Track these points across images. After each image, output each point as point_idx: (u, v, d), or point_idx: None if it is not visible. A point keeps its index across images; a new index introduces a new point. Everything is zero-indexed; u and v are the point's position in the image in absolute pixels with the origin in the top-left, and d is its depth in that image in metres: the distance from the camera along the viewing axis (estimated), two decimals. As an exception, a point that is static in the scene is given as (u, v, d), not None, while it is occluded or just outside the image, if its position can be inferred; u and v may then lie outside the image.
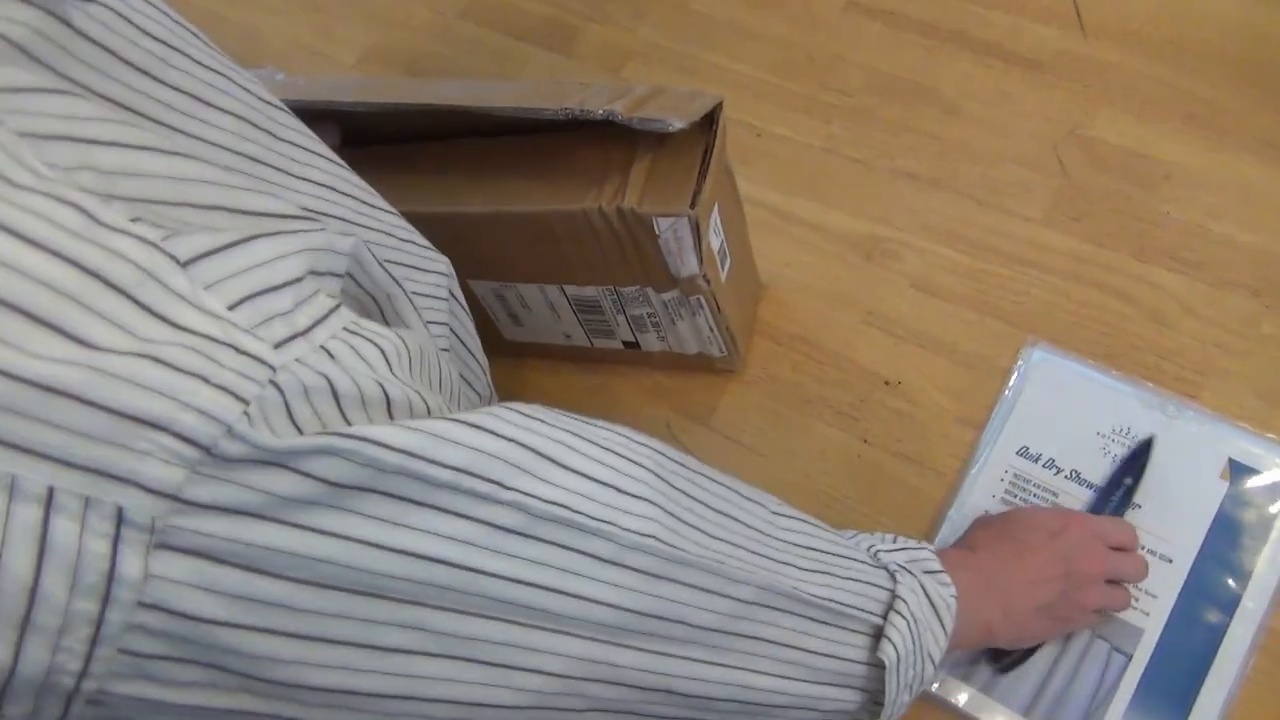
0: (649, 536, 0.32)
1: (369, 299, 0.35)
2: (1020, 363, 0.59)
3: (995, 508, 0.55)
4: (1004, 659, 0.52)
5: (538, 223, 0.55)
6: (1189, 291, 0.59)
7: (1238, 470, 0.54)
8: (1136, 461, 0.54)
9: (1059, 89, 0.66)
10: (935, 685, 0.52)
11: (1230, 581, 0.52)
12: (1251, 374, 0.57)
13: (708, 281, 0.55)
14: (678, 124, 0.49)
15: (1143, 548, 0.53)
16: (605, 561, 0.31)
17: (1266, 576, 0.51)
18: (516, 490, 0.29)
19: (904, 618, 0.41)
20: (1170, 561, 0.53)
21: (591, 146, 0.54)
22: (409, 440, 0.27)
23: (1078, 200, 0.63)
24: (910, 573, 0.43)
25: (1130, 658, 0.51)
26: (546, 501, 0.30)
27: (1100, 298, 0.60)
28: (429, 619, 0.28)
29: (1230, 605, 0.51)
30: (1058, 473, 0.56)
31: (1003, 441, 0.57)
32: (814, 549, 0.40)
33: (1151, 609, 0.52)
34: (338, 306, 0.29)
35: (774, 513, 0.41)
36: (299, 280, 0.28)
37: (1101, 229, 0.61)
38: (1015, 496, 0.56)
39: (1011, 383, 0.58)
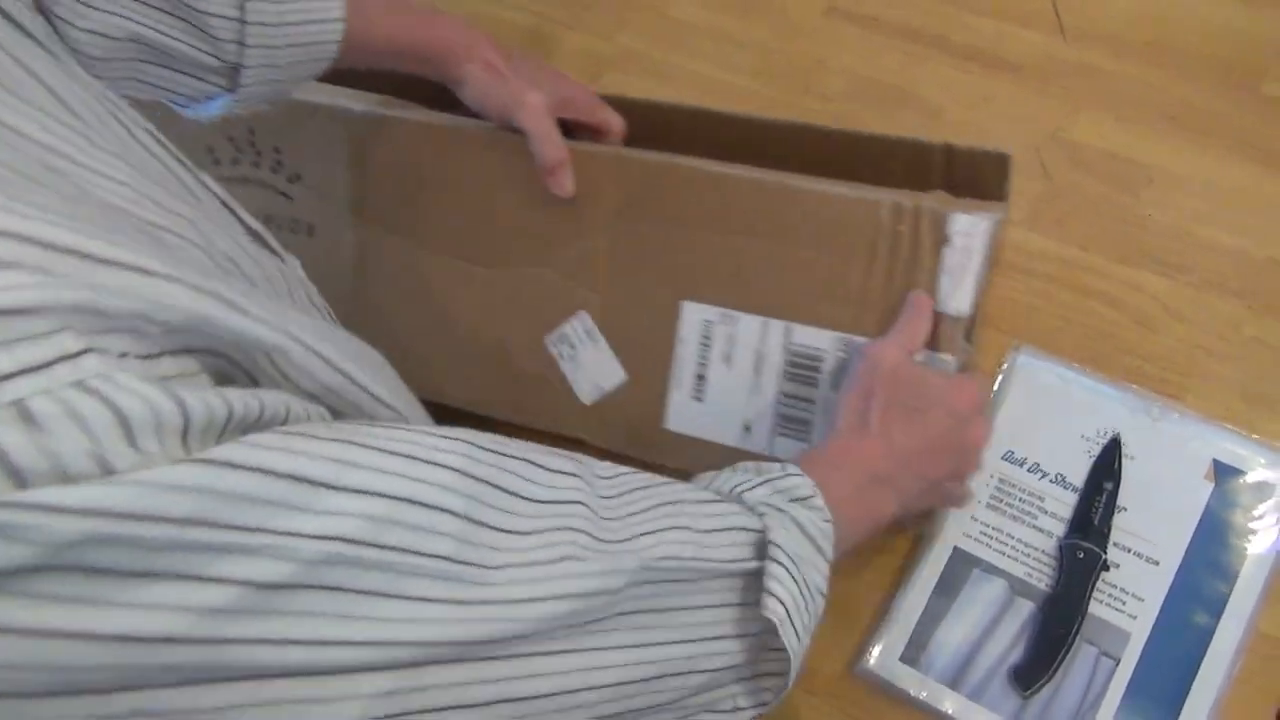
0: (449, 560, 0.28)
1: (221, 358, 0.29)
2: (1005, 366, 0.58)
3: (980, 513, 0.55)
4: (1031, 684, 0.51)
5: (820, 206, 0.53)
6: (1173, 294, 0.59)
7: (1222, 471, 0.54)
8: (1109, 463, 0.54)
9: (1041, 92, 0.66)
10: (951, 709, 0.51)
11: (1217, 583, 0.52)
12: (1236, 376, 0.57)
13: (969, 340, 0.52)
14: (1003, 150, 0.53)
15: (1128, 550, 0.53)
16: (404, 598, 0.27)
17: (1253, 577, 0.51)
18: (271, 532, 0.24)
19: (782, 565, 0.38)
20: (1156, 564, 0.53)
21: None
22: (101, 497, 0.21)
23: (1061, 203, 0.62)
24: (779, 509, 0.41)
25: (1118, 661, 0.51)
26: (316, 538, 0.25)
27: (1084, 301, 0.60)
28: (160, 699, 0.23)
29: (1217, 607, 0.51)
30: (1042, 477, 0.56)
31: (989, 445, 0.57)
32: (662, 503, 0.38)
33: (1139, 612, 0.52)
34: (79, 353, 0.22)
35: (604, 478, 0.38)
36: (22, 312, 0.21)
37: (1085, 232, 0.61)
38: (1001, 501, 0.56)
39: (996, 386, 0.58)
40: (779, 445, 0.56)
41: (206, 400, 0.25)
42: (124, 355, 0.24)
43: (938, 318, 0.52)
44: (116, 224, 0.28)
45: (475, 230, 0.62)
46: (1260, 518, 0.52)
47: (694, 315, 0.57)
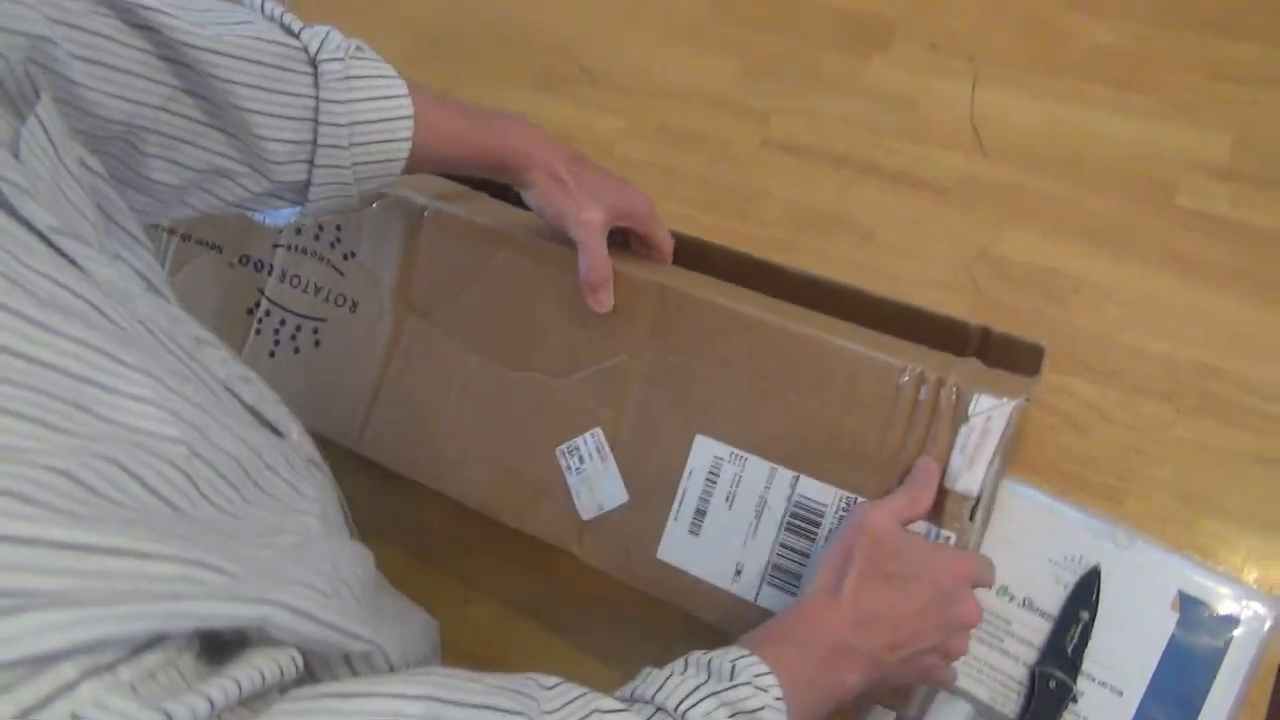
0: None
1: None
2: None
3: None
4: None
5: (846, 364, 0.54)
6: (1104, 399, 0.61)
7: (1188, 602, 0.54)
8: (1086, 593, 0.55)
9: (967, 211, 0.69)
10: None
11: (1181, 715, 0.52)
12: (1170, 478, 0.58)
13: (973, 519, 0.52)
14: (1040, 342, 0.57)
15: (1092, 678, 0.54)
16: None
17: (1216, 710, 0.52)
18: None
19: None
20: (1120, 694, 0.53)
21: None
22: None
23: (993, 317, 0.65)
24: None
25: (1077, 785, 0.51)
26: None
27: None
28: None
29: (1180, 738, 0.51)
30: (1010, 600, 0.56)
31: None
32: None
33: (1099, 739, 0.52)
34: (76, 682, 0.25)
35: (547, 687, 0.39)
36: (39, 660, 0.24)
37: (1017, 343, 0.64)
38: None
39: None
40: (766, 594, 0.56)
41: (190, 704, 0.27)
42: (114, 664, 0.26)
43: (944, 492, 0.52)
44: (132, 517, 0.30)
45: (509, 332, 0.64)
46: (1224, 649, 0.53)
47: (705, 450, 0.58)
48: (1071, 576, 0.56)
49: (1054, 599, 0.56)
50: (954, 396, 0.51)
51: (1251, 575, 0.55)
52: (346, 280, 0.69)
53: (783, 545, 0.56)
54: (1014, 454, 0.60)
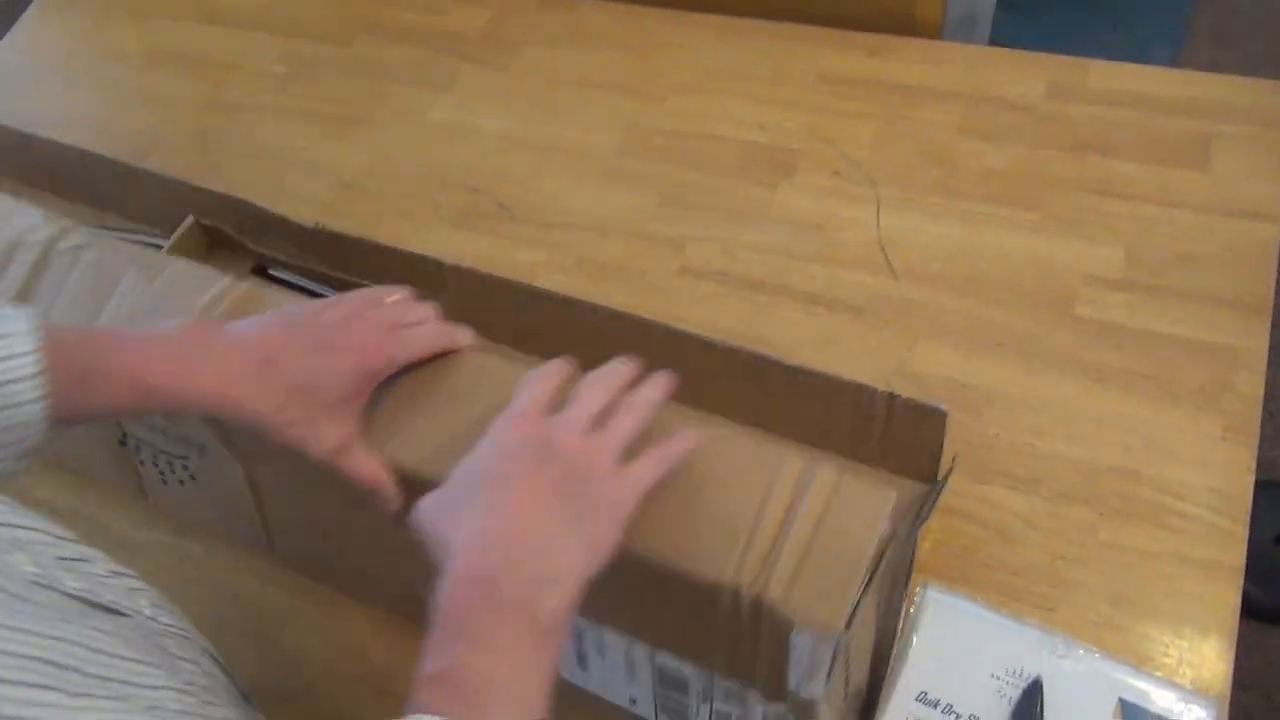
0: None
1: None
2: (915, 603, 0.59)
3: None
4: None
5: (659, 576, 0.46)
6: (1028, 508, 0.62)
7: (1130, 710, 0.54)
8: (1030, 705, 0.54)
9: (880, 329, 0.71)
10: None
11: None
12: (1098, 582, 0.58)
13: (828, 707, 0.47)
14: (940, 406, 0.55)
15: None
16: None
17: None
18: None
19: None
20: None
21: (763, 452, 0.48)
22: None
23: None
24: None
25: None
26: None
27: (948, 521, 0.62)
28: None
29: None
30: (957, 718, 0.55)
31: (901, 687, 0.56)
32: None
33: None
34: None
35: None
36: None
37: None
38: None
39: (906, 624, 0.58)
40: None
41: None
42: None
43: (792, 694, 0.45)
44: None
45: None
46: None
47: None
48: (1014, 690, 0.55)
49: (999, 714, 0.55)
50: (775, 624, 0.44)
51: (1188, 676, 0.55)
52: (182, 423, 0.62)
53: (663, 693, 0.54)
54: (934, 564, 0.60)
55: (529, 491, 0.42)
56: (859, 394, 0.61)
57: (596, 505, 0.43)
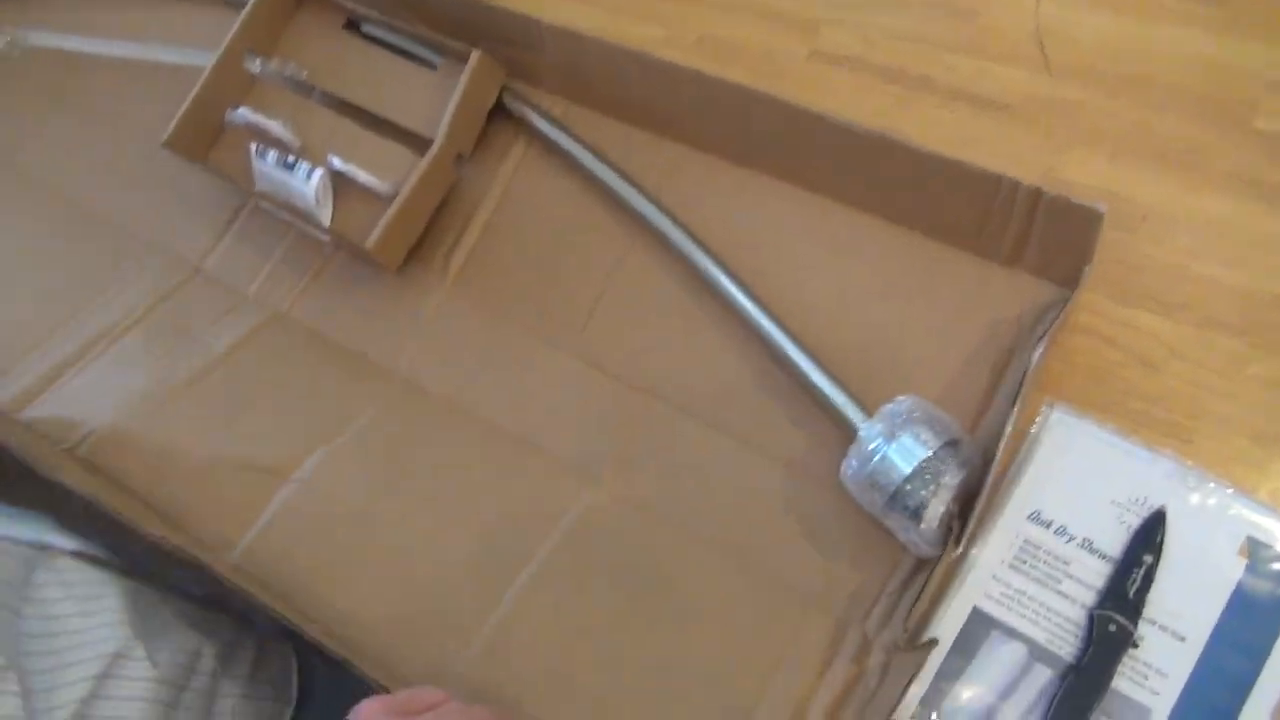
0: None
1: None
2: (1038, 422, 0.57)
3: (1003, 573, 0.54)
4: None
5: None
6: (1174, 334, 0.58)
7: (1257, 549, 0.52)
8: (1151, 536, 0.53)
9: (1029, 131, 0.65)
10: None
11: (1244, 663, 0.50)
12: (1242, 416, 0.55)
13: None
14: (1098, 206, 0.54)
15: (1154, 623, 0.51)
16: None
17: None
18: None
19: None
20: (1183, 640, 0.51)
21: None
22: None
23: (1055, 244, 0.61)
24: None
25: (1139, 734, 0.49)
26: None
27: (1086, 343, 0.58)
28: None
29: (1243, 686, 0.49)
30: (1069, 540, 0.54)
31: (1013, 503, 0.55)
32: None
33: (1161, 688, 0.50)
34: None
35: None
36: None
37: (1081, 273, 0.60)
38: (1024, 563, 0.54)
39: (1026, 443, 0.56)
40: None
41: None
42: None
43: None
44: None
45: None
46: (1293, 595, 0.51)
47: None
48: (1135, 518, 0.53)
49: (1115, 541, 0.53)
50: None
51: (1324, 520, 0.53)
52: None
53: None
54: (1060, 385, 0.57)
55: None
56: (998, 186, 0.56)
57: None
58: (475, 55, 0.69)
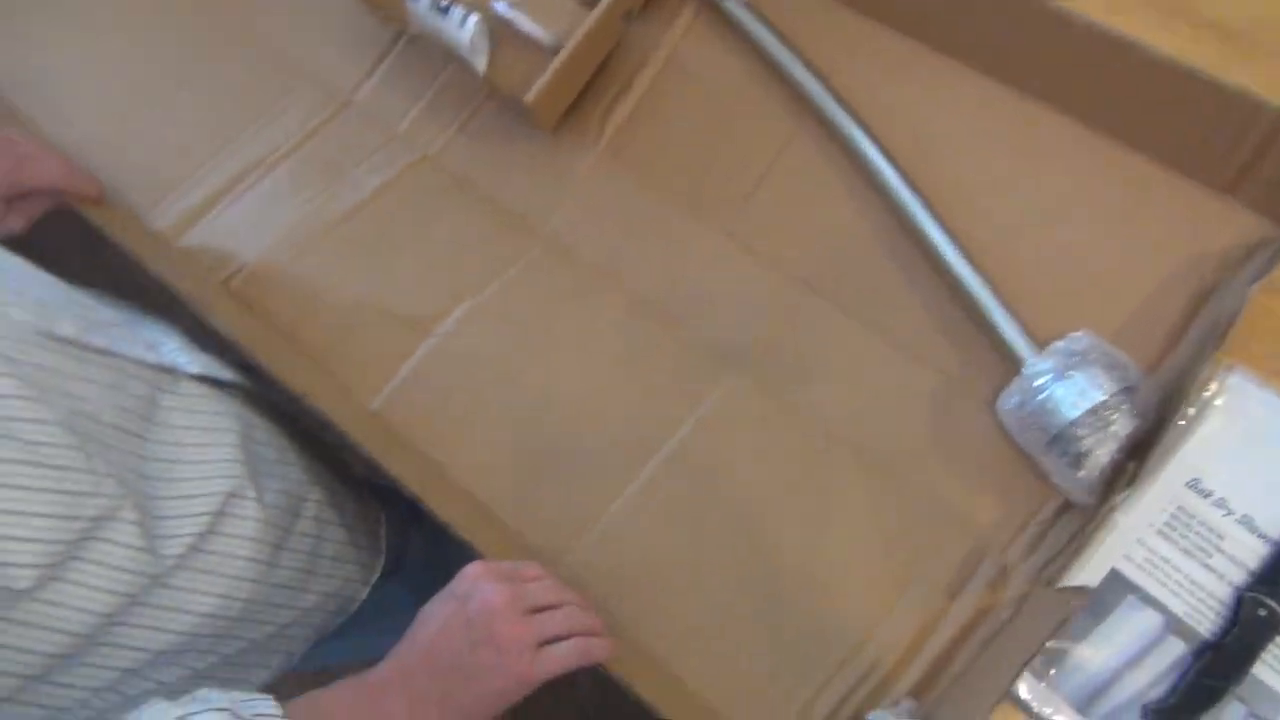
0: None
1: None
2: (1214, 385, 0.52)
3: (1149, 538, 0.51)
4: None
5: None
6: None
7: None
8: None
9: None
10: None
11: None
12: None
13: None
14: None
15: None
16: None
17: None
18: None
19: None
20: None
21: None
22: None
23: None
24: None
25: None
26: None
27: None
28: None
29: None
30: (1227, 514, 0.50)
31: (1173, 467, 0.51)
32: None
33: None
34: None
35: None
36: None
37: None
38: (1174, 531, 0.51)
39: (1196, 403, 0.52)
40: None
41: None
42: None
43: None
44: None
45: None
46: None
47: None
48: (1314, 497, 0.50)
49: (1278, 522, 0.50)
50: None
51: None
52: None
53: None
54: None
55: (448, 637, 0.50)
56: (1237, 104, 0.51)
57: (502, 675, 0.49)
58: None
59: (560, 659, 0.50)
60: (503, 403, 0.63)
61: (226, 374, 0.64)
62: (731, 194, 0.65)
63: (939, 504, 0.56)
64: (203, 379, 0.62)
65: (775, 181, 0.65)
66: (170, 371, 0.60)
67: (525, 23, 0.66)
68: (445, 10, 0.66)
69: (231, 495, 0.57)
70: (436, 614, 0.51)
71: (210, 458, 0.58)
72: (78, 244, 0.69)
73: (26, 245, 0.62)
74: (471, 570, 0.52)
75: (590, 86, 0.69)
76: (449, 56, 0.68)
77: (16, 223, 0.67)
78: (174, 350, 0.62)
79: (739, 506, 0.59)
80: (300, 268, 0.69)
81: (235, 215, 0.71)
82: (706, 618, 0.56)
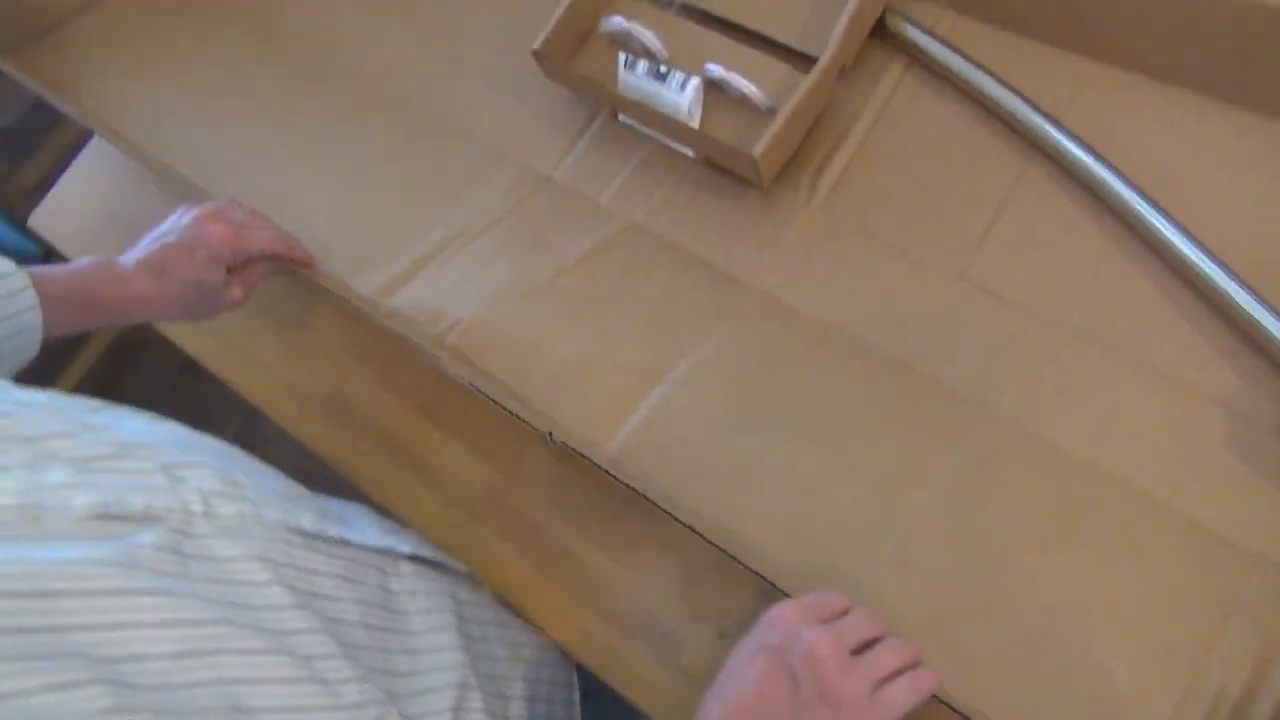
0: None
1: None
2: None
3: None
4: None
5: None
6: None
7: None
8: None
9: None
10: None
11: None
12: None
13: None
14: None
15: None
16: None
17: None
18: None
19: None
20: None
21: None
22: None
23: None
24: None
25: None
26: None
27: None
28: None
29: None
30: None
31: None
32: None
33: None
34: None
35: None
36: None
37: None
38: None
39: None
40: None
41: None
42: None
43: None
44: None
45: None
46: None
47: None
48: None
49: None
50: None
51: None
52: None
53: None
54: None
55: (771, 696, 0.44)
56: None
57: None
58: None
59: (900, 702, 0.45)
60: (743, 448, 0.60)
61: (430, 552, 0.60)
62: (962, 238, 0.64)
63: (1236, 538, 0.52)
64: (414, 558, 0.58)
65: (1009, 221, 0.64)
66: (390, 554, 0.55)
67: (743, 84, 0.67)
68: (664, 77, 0.67)
69: (463, 687, 0.52)
70: (748, 671, 0.45)
71: (441, 644, 0.54)
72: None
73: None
74: (782, 615, 0.47)
75: (802, 145, 0.69)
76: (663, 124, 0.69)
77: (237, 291, 0.66)
78: (381, 529, 0.58)
79: (1015, 539, 0.55)
80: (515, 325, 0.67)
81: (439, 281, 0.71)
82: (987, 654, 0.52)
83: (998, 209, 0.64)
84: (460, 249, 0.72)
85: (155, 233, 0.65)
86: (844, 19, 0.66)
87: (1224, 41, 0.58)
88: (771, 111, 0.67)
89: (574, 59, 0.75)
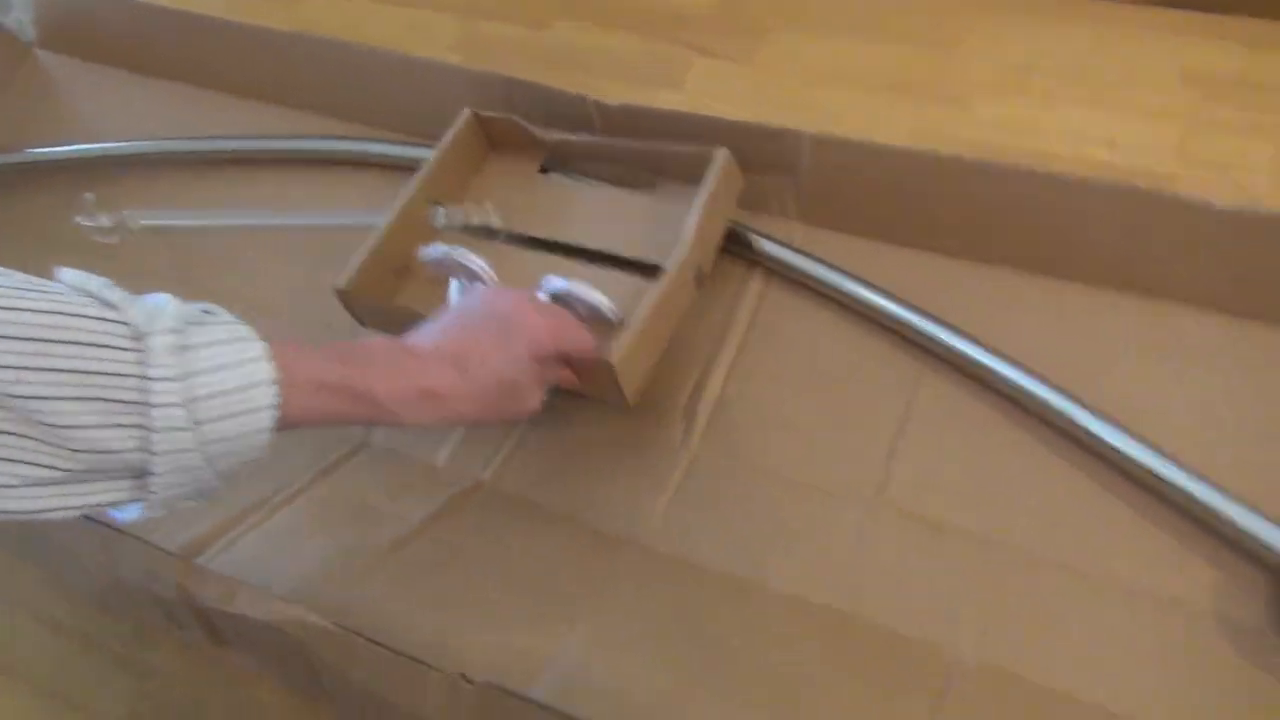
0: None
1: None
2: None
3: None
4: None
5: None
6: None
7: None
8: None
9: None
10: None
11: None
12: None
13: None
14: None
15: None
16: None
17: None
18: None
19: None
20: None
21: None
22: None
23: None
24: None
25: None
26: None
27: None
28: None
29: None
30: None
31: None
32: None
33: None
34: None
35: None
36: None
37: None
38: None
39: None
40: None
41: None
42: None
43: None
44: None
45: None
46: None
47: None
48: None
49: None
50: None
51: None
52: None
53: None
54: None
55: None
56: None
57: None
58: (722, 153, 0.61)
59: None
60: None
61: None
62: (867, 460, 0.56)
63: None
64: None
65: (914, 434, 0.57)
66: None
67: (589, 294, 0.58)
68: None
69: None
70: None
71: None
72: None
73: None
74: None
75: (671, 369, 0.60)
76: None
77: (540, 397, 0.54)
78: None
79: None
80: (349, 603, 0.51)
81: (248, 546, 0.54)
82: None
83: (901, 421, 0.57)
84: (262, 521, 0.56)
85: (449, 314, 0.53)
86: (696, 209, 0.59)
87: (1105, 232, 0.57)
88: (624, 324, 0.58)
89: (394, 296, 0.64)
